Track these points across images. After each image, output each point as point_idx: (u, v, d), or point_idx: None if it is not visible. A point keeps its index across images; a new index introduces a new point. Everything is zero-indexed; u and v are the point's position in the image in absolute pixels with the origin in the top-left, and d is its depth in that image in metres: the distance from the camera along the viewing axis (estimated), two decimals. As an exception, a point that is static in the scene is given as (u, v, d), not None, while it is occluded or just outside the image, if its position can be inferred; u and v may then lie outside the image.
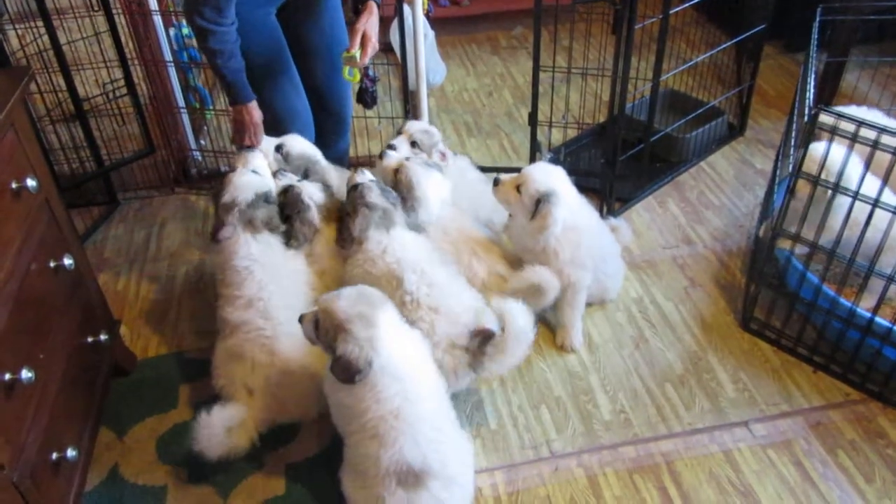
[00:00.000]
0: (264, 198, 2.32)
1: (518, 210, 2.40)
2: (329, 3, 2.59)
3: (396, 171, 2.43)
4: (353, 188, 2.25)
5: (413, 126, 2.69)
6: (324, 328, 1.76)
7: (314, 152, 2.61)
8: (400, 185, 2.41)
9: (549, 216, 2.30)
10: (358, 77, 2.57)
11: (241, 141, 2.47)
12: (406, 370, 1.77)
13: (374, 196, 2.21)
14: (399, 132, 2.70)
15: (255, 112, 2.42)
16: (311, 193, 2.40)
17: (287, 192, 2.39)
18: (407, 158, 2.47)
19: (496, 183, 2.45)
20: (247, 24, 2.37)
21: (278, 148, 2.55)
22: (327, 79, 2.69)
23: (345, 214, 2.25)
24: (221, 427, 1.98)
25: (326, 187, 2.47)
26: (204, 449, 1.96)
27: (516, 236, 2.52)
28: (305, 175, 2.53)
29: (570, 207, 2.35)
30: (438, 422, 1.84)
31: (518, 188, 2.37)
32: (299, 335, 1.91)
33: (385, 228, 2.20)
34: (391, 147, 2.59)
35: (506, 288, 2.41)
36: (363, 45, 2.46)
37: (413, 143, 2.64)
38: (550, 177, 2.36)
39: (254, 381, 2.09)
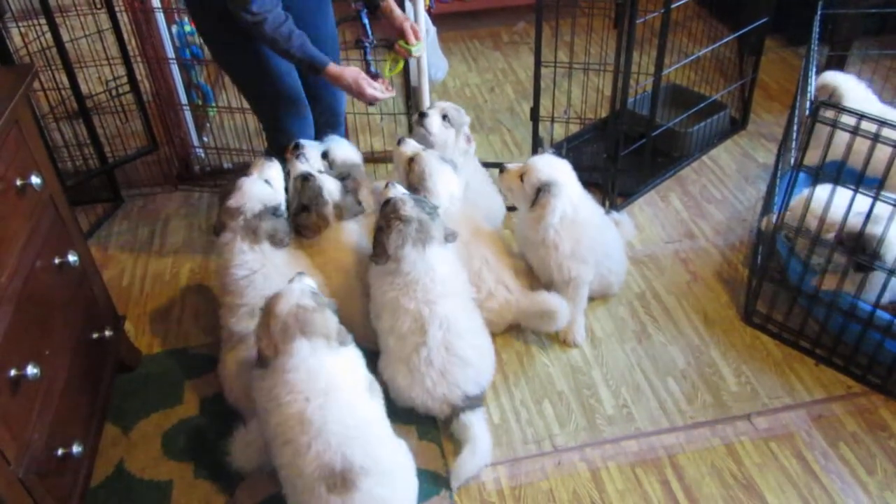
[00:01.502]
0: (272, 210, 2.27)
1: (520, 199, 2.43)
2: None
3: (411, 159, 2.44)
4: (386, 203, 2.16)
5: (444, 102, 2.72)
6: None
7: (357, 158, 2.67)
8: (413, 174, 2.42)
9: (548, 206, 2.31)
10: (400, 67, 2.71)
11: (367, 97, 2.47)
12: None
13: (409, 208, 2.12)
14: (430, 106, 2.72)
15: (337, 68, 2.41)
16: (331, 189, 2.39)
17: (307, 180, 2.38)
18: (423, 149, 2.48)
19: (502, 171, 2.48)
20: None
21: (324, 154, 2.59)
22: None
23: (377, 229, 2.16)
24: (258, 443, 2.00)
25: (343, 185, 2.48)
26: (240, 465, 2.01)
27: (518, 228, 2.53)
28: (343, 178, 2.54)
29: (572, 200, 2.35)
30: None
31: (521, 177, 2.39)
32: None
33: (422, 245, 2.10)
34: (423, 115, 2.62)
35: (511, 298, 2.43)
36: (416, 35, 2.58)
37: (444, 116, 2.65)
38: (553, 168, 2.37)
39: None
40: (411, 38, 2.56)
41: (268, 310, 1.82)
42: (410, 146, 2.49)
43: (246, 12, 2.17)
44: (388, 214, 2.12)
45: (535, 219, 2.36)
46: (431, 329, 2.09)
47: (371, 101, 2.50)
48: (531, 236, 2.42)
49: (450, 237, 2.19)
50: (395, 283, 2.12)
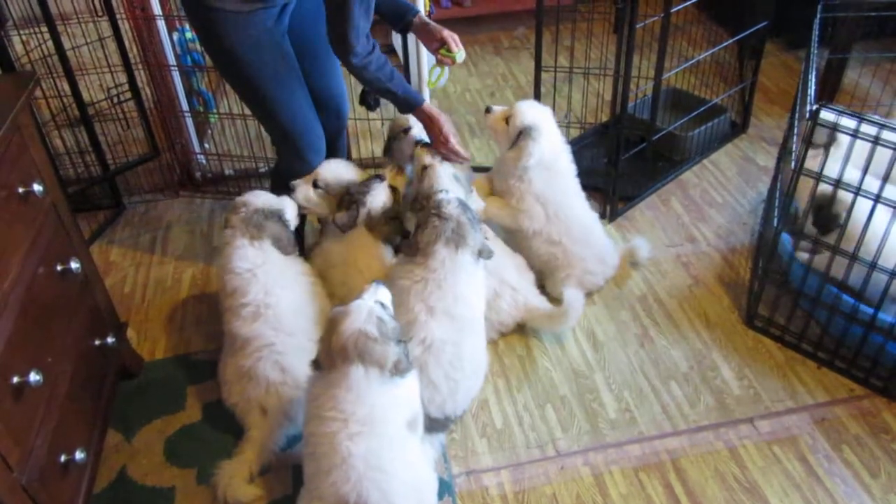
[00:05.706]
0: (277, 215, 2.32)
1: (503, 140, 2.54)
2: (320, 3, 2.58)
3: (425, 167, 2.46)
4: (428, 199, 2.17)
5: (326, 165, 2.54)
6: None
7: (350, 174, 2.56)
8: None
9: (526, 149, 2.42)
10: (442, 76, 2.76)
11: (449, 147, 2.46)
12: None
13: (452, 208, 2.10)
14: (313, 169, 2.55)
15: (433, 109, 2.46)
16: (377, 197, 2.44)
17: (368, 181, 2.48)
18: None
19: (488, 111, 2.59)
20: (265, 34, 2.34)
21: (315, 184, 2.51)
22: (326, 77, 2.67)
23: (416, 227, 2.15)
24: (243, 475, 2.04)
25: (395, 192, 2.53)
26: (232, 500, 2.02)
27: (496, 167, 2.65)
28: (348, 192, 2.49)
29: (551, 146, 2.47)
30: None
31: (507, 119, 2.51)
32: (308, 347, 1.98)
33: (455, 246, 2.07)
34: (291, 188, 2.50)
35: (517, 296, 2.44)
36: (457, 43, 2.57)
37: (315, 183, 2.51)
38: (536, 113, 2.48)
39: (269, 401, 2.11)
40: (453, 46, 2.52)
41: (333, 323, 1.75)
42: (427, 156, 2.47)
43: (354, 56, 2.21)
44: (429, 211, 2.12)
45: (512, 159, 2.48)
46: (413, 340, 2.04)
47: (449, 153, 2.47)
48: (507, 175, 2.53)
49: (484, 253, 2.14)
50: (415, 274, 2.09)
